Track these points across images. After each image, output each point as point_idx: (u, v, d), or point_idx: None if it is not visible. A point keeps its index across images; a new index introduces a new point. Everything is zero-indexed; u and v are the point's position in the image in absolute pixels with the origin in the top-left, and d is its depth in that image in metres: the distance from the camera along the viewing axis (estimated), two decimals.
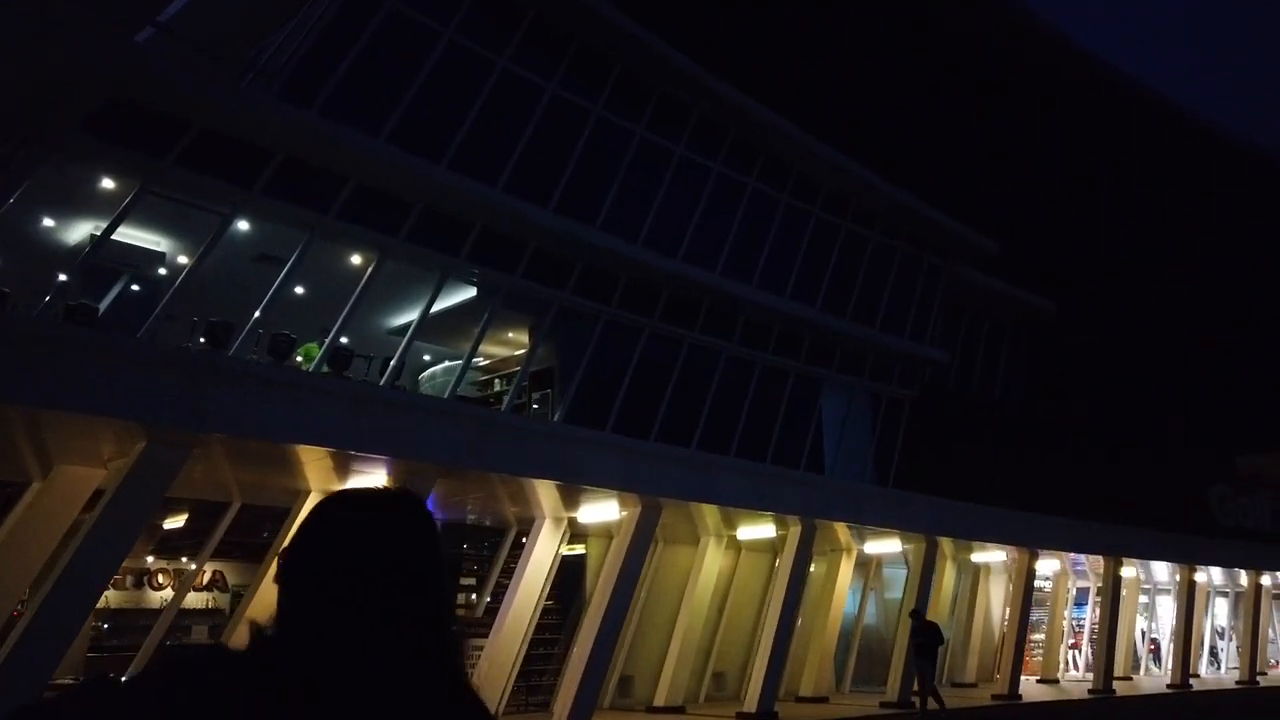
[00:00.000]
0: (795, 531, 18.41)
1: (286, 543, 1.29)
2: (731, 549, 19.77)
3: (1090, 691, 24.74)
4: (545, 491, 15.11)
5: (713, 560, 18.97)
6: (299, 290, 15.23)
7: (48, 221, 13.66)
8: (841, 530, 20.09)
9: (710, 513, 17.85)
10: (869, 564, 23.26)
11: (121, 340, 11.01)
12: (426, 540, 1.27)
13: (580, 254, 17.31)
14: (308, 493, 13.45)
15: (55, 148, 11.87)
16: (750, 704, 17.26)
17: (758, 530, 18.75)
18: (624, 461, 15.42)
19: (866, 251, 22.90)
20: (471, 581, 18.44)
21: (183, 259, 14.90)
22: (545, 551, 15.99)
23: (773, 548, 20.62)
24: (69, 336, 10.30)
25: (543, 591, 16.05)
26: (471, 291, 16.85)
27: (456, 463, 13.09)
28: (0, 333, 9.56)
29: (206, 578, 16.72)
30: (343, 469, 12.84)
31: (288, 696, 1.11)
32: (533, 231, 16.50)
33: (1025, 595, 23.74)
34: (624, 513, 15.72)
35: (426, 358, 19.70)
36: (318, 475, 13.04)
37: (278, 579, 1.24)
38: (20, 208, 12.20)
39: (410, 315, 16.92)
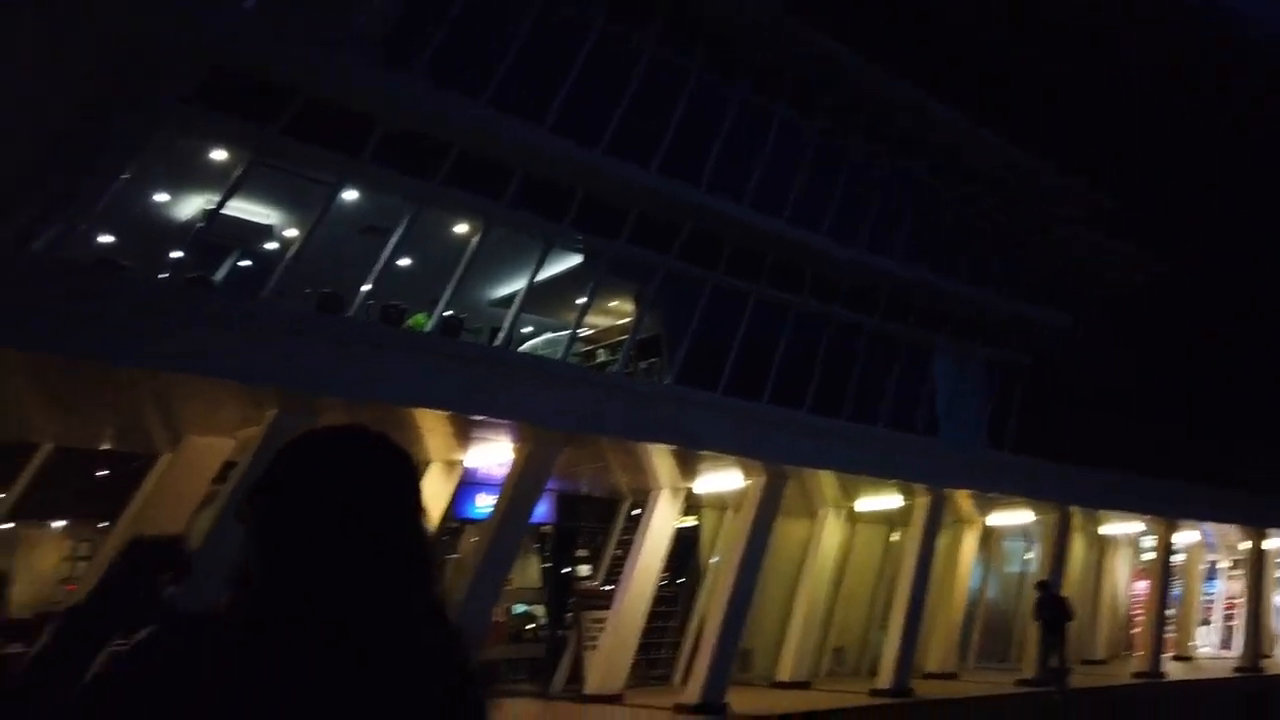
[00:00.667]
0: (923, 501, 17.55)
1: (257, 481, 1.20)
2: (848, 521, 18.99)
3: (1236, 670, 23.23)
4: (665, 460, 14.60)
5: (832, 533, 18.25)
6: (405, 262, 15.01)
7: (160, 196, 13.65)
8: (965, 500, 19.13)
9: (829, 483, 17.13)
10: (989, 536, 22.18)
11: (246, 304, 10.84)
12: (407, 473, 1.22)
13: (685, 216, 16.72)
14: (428, 463, 13.16)
15: (165, 120, 11.78)
16: (884, 680, 16.52)
17: (881, 501, 17.95)
18: (748, 427, 14.81)
19: (977, 211, 21.79)
20: (585, 554, 18.08)
21: (290, 232, 14.82)
22: (663, 523, 15.49)
23: (887, 520, 19.80)
24: (196, 302, 10.13)
25: (661, 565, 15.56)
26: (575, 260, 16.42)
27: (581, 428, 12.65)
28: (127, 299, 9.38)
29: None
30: (463, 435, 12.51)
31: (295, 644, 1.07)
32: (637, 194, 15.98)
33: (1164, 568, 22.40)
34: (748, 481, 15.11)
35: (526, 329, 19.40)
36: (439, 444, 12.74)
37: (251, 519, 1.17)
38: (132, 182, 12.14)
39: (513, 286, 16.61)
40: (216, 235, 13.62)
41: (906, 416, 18.99)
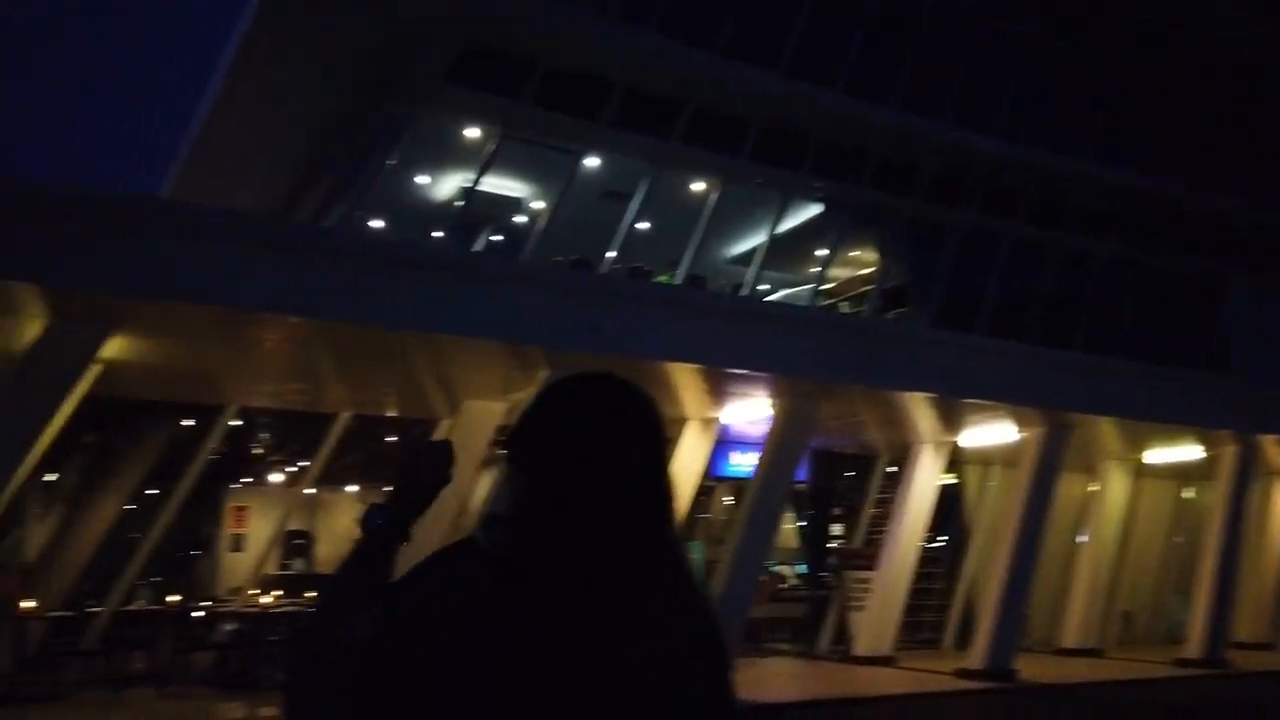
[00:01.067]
0: (1230, 451, 15.54)
1: (515, 425, 1.24)
2: (1133, 475, 17.20)
3: None
4: (928, 412, 13.76)
5: (1117, 488, 16.60)
6: (644, 225, 15.06)
7: (421, 179, 14.40)
8: (1276, 450, 16.77)
9: (1112, 434, 15.53)
10: None
11: (513, 265, 11.17)
12: (654, 419, 1.24)
13: (927, 154, 15.65)
14: (683, 421, 13.13)
15: (424, 102, 12.35)
16: (1193, 649, 14.85)
17: (1176, 452, 16.06)
18: (1025, 371, 13.63)
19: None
20: (839, 513, 17.54)
21: (537, 204, 15.25)
22: (926, 481, 14.66)
23: (1178, 474, 17.77)
24: (471, 264, 10.52)
25: (925, 524, 14.76)
26: (814, 210, 15.81)
27: (840, 378, 12.12)
28: (409, 260, 9.81)
29: None
30: (718, 391, 12.33)
31: (551, 581, 1.08)
32: (876, 134, 15.11)
33: None
34: (1024, 433, 13.96)
35: (763, 287, 18.99)
36: (694, 401, 12.65)
37: (509, 461, 1.21)
38: (398, 166, 12.84)
39: (751, 241, 16.25)
40: (472, 212, 14.22)
41: (1202, 356, 16.90)
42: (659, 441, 1.28)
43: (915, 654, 14.70)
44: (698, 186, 14.98)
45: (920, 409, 13.57)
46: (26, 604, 9.31)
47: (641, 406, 1.27)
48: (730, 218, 15.64)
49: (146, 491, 12.64)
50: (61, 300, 6.65)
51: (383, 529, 1.26)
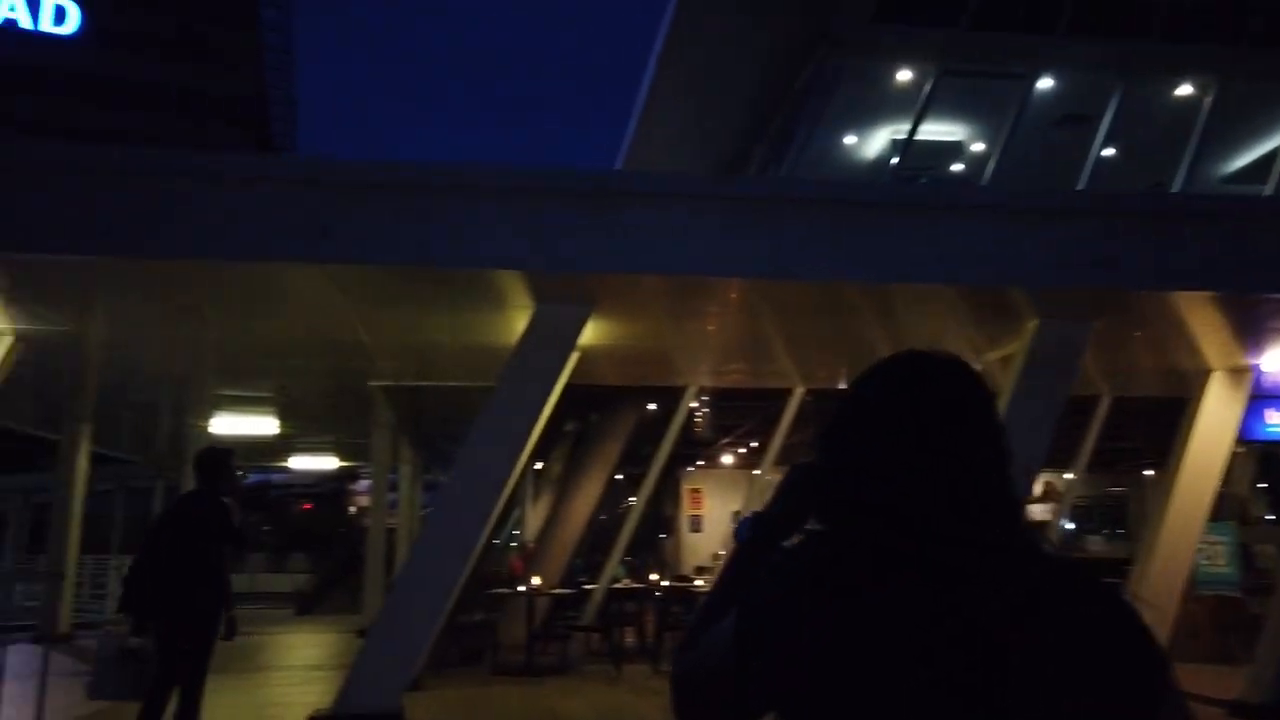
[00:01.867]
0: None
1: (854, 387, 1.16)
2: None
3: None
4: None
5: None
6: (1108, 152, 12.73)
7: (848, 139, 13.58)
8: None
9: None
10: None
11: (989, 193, 9.81)
12: (990, 403, 1.12)
13: None
14: (1206, 373, 10.73)
15: (854, 48, 11.50)
16: None
17: None
18: None
19: None
20: None
21: (977, 146, 13.65)
22: None
23: None
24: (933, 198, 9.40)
25: None
26: None
27: None
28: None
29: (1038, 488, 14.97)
30: (1257, 329, 9.81)
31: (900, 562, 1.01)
32: None
33: None
34: None
35: None
36: (1219, 346, 10.23)
37: (847, 426, 1.14)
38: (830, 123, 12.13)
39: (1256, 153, 13.04)
40: (908, 165, 13.08)
41: None
42: (985, 421, 1.11)
43: None
44: (1183, 91, 12.33)
45: None
46: (534, 581, 10.09)
47: (968, 381, 1.13)
48: (1228, 126, 12.69)
49: (614, 476, 13.38)
50: (546, 284, 6.81)
51: (749, 543, 1.24)
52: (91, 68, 39.59)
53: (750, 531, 1.24)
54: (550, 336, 7.29)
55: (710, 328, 8.43)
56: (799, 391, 11.16)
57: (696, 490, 21.12)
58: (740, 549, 1.24)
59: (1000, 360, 8.66)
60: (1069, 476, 11.56)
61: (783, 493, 1.24)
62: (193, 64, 42.28)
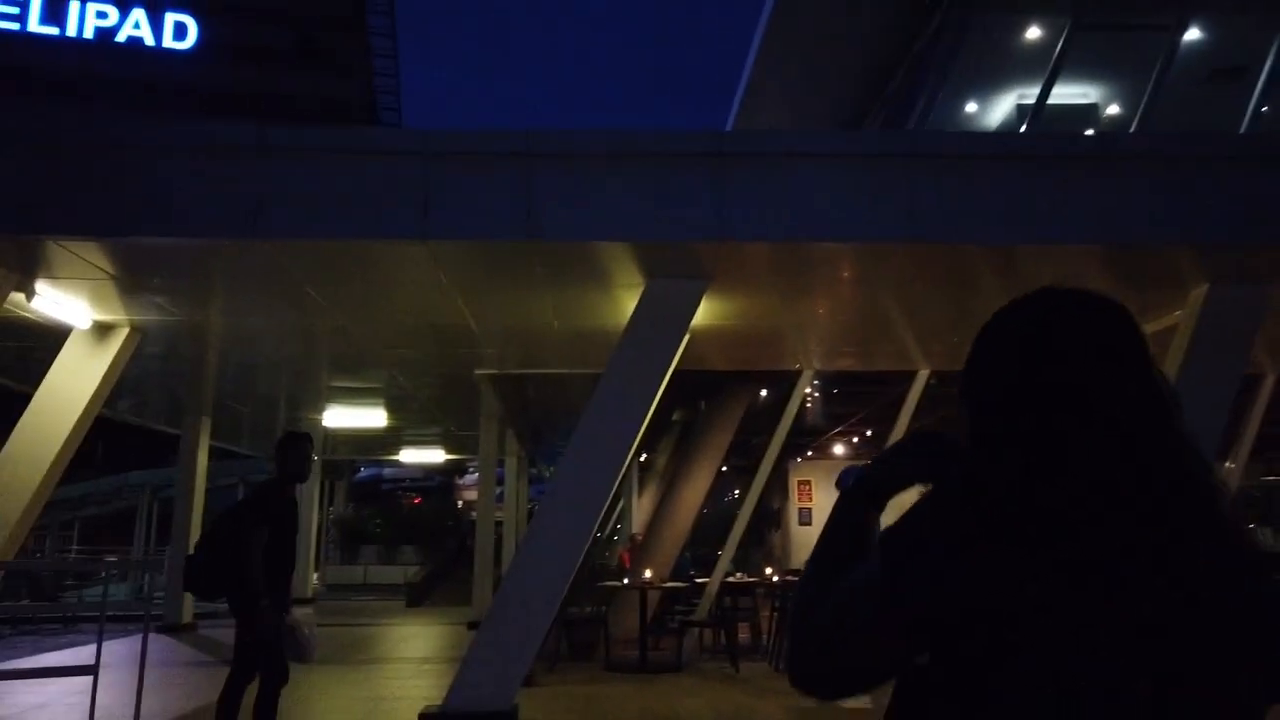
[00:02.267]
0: None
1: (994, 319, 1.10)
2: None
3: None
4: None
5: None
6: (1267, 108, 11.51)
7: (969, 107, 12.72)
8: None
9: None
10: None
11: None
12: (1131, 341, 1.03)
13: None
14: None
15: (973, 5, 10.70)
16: None
17: None
18: None
19: None
20: None
21: (1111, 109, 12.59)
22: None
23: None
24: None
25: None
26: None
27: None
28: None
29: None
30: None
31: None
32: None
33: None
34: None
35: None
36: None
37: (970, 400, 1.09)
38: (954, 87, 11.33)
39: None
40: (1036, 130, 12.14)
41: None
42: (1133, 359, 1.03)
43: None
44: None
45: None
46: (645, 574, 9.72)
47: (1108, 317, 1.05)
48: None
49: (722, 468, 12.89)
50: (658, 257, 6.39)
51: (851, 490, 1.19)
52: (207, 80, 41.28)
53: (853, 483, 1.18)
54: (662, 316, 6.86)
55: (831, 303, 7.86)
56: (923, 374, 10.45)
57: (806, 482, 20.47)
58: (842, 499, 1.19)
59: (1162, 332, 7.82)
60: (1229, 466, 10.50)
61: (897, 453, 1.18)
62: (303, 73, 43.67)
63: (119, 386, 11.51)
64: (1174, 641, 0.91)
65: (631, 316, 6.97)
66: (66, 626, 13.39)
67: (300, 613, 5.34)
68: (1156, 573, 0.93)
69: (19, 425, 8.07)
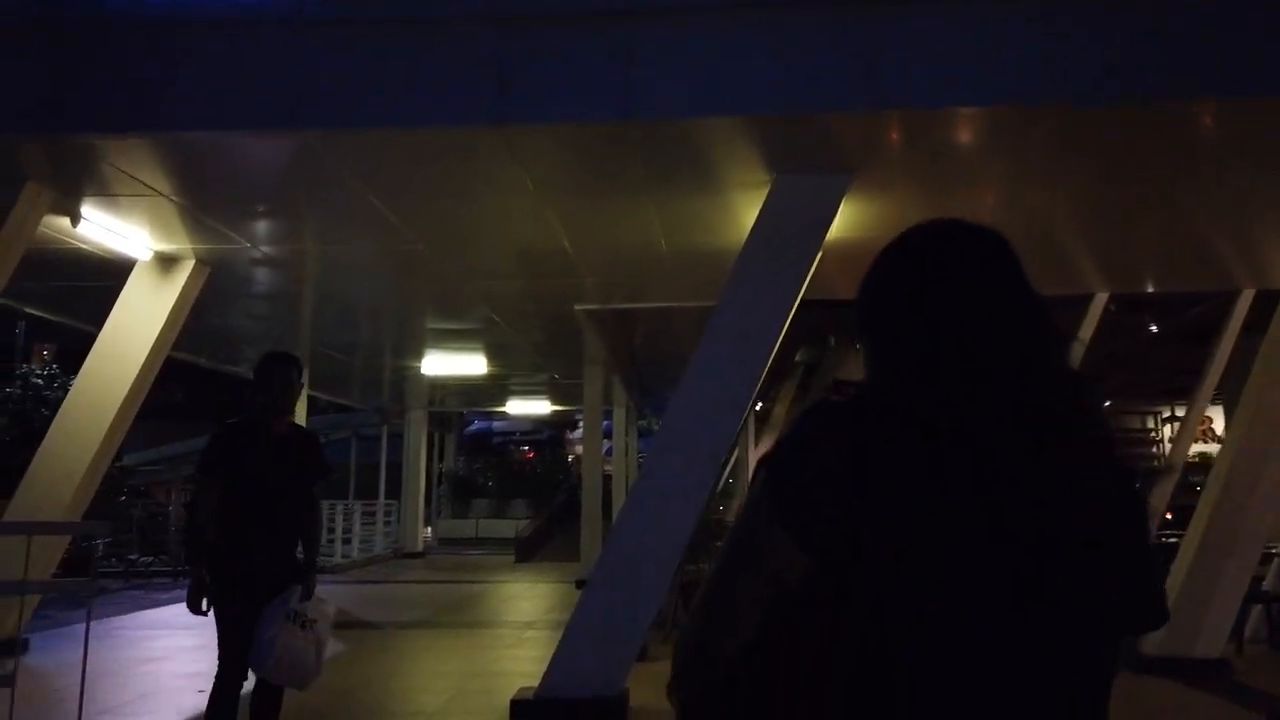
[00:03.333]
0: None
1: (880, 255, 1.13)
2: None
3: None
4: None
5: None
6: None
7: None
8: None
9: None
10: None
11: None
12: (1005, 267, 1.07)
13: None
14: None
15: None
16: None
17: None
18: None
19: None
20: None
21: None
22: None
23: None
24: None
25: None
26: None
27: None
28: None
29: None
30: None
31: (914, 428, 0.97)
32: None
33: None
34: None
35: None
36: None
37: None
38: None
39: None
40: None
41: None
42: (1014, 278, 1.06)
43: None
44: None
45: None
46: None
47: (988, 243, 1.09)
48: None
49: None
50: (789, 140, 5.11)
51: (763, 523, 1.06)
52: None
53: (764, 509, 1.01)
54: (793, 223, 5.59)
55: (1011, 200, 6.39)
56: (1099, 299, 8.81)
57: None
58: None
59: None
60: None
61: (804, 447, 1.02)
62: None
63: (212, 334, 11.03)
64: (1056, 551, 0.93)
65: (754, 226, 5.72)
66: (176, 580, 13.21)
67: (321, 606, 3.94)
68: (1042, 481, 0.94)
69: (83, 369, 7.46)
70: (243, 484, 3.72)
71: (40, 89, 4.90)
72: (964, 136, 5.16)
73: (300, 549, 3.99)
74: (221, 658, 3.71)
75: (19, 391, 17.25)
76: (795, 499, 0.95)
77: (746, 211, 6.14)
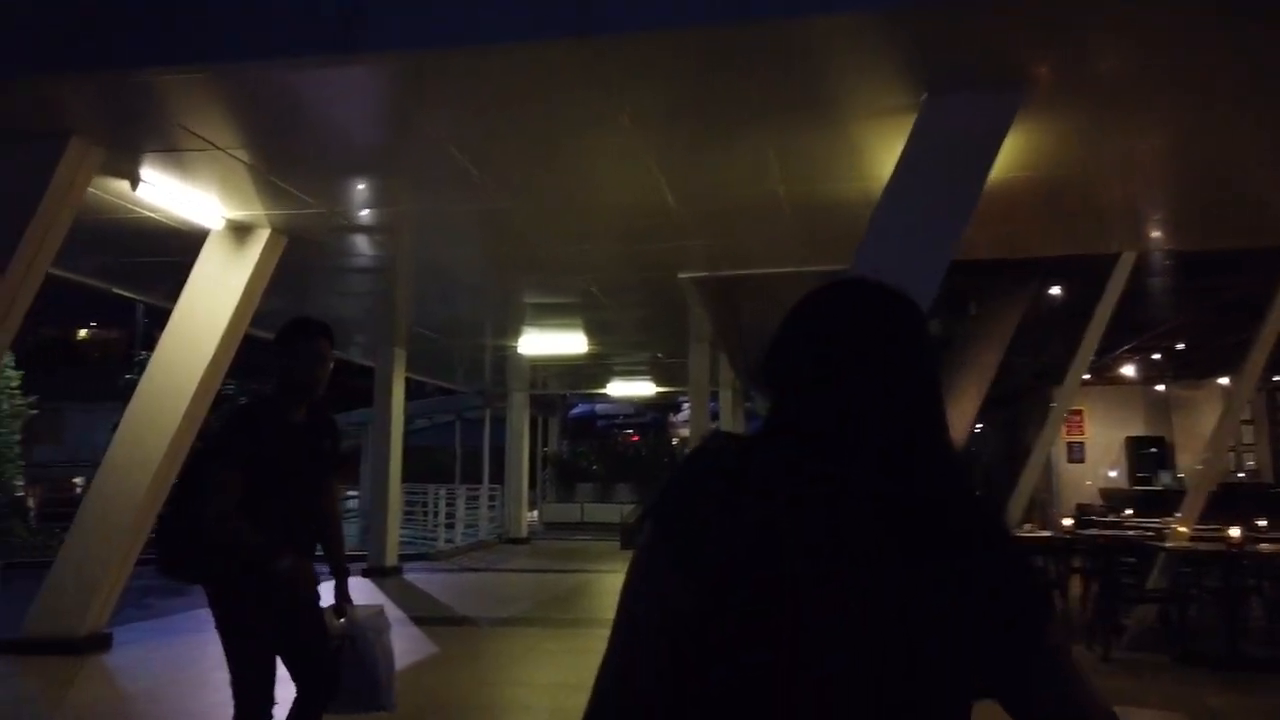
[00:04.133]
0: None
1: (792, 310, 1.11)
2: None
3: None
4: None
5: None
6: None
7: None
8: None
9: None
10: None
11: None
12: (892, 318, 1.06)
13: None
14: None
15: None
16: None
17: None
18: None
19: None
20: None
21: None
22: None
23: None
24: None
25: None
26: None
27: None
28: None
29: None
30: None
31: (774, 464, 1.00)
32: None
33: None
34: None
35: None
36: None
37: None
38: None
39: None
40: None
41: None
42: (904, 348, 1.05)
43: None
44: None
45: None
46: None
47: (890, 308, 1.08)
48: None
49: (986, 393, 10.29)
50: (943, 41, 4.11)
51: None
52: None
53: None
54: (944, 163, 4.58)
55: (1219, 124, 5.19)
56: None
57: (1076, 412, 17.21)
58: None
59: None
60: None
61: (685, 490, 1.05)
62: None
63: (297, 311, 10.64)
64: (908, 619, 0.92)
65: (897, 165, 4.72)
66: None
67: (364, 610, 3.20)
68: (903, 549, 0.94)
69: (159, 345, 7.05)
70: (272, 476, 2.97)
71: (73, 21, 4.33)
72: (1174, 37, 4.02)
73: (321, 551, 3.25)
74: (241, 705, 2.95)
75: (138, 378, 17.50)
76: (681, 528, 0.96)
77: (884, 150, 5.15)
